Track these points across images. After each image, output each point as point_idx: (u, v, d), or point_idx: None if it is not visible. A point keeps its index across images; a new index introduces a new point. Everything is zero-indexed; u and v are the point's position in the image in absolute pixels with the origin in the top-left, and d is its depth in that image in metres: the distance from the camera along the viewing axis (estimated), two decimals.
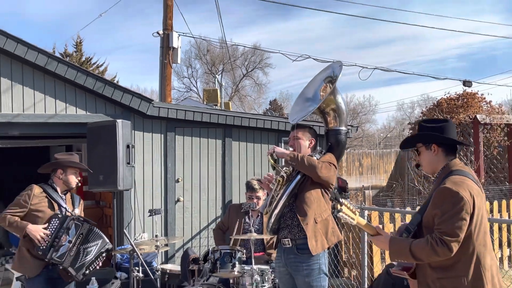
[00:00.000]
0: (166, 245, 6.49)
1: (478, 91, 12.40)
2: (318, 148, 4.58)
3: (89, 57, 33.16)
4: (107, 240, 4.93)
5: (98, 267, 4.95)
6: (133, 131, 6.94)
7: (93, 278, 5.63)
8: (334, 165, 4.33)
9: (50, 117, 6.77)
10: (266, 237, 5.48)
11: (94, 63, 33.08)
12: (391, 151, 22.63)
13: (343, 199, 3.16)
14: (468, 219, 3.00)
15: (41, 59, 6.58)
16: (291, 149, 4.39)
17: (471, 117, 11.23)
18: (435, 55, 70.25)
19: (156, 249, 5.89)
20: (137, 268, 5.45)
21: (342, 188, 3.38)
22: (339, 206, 3.15)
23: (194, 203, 7.62)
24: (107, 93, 6.99)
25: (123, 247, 6.57)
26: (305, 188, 4.30)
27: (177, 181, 7.49)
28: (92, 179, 6.54)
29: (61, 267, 4.73)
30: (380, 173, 21.11)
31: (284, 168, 4.39)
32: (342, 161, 19.85)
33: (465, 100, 11.74)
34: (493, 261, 3.19)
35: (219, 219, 7.57)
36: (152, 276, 5.63)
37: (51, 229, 4.69)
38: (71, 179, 4.93)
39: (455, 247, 3.01)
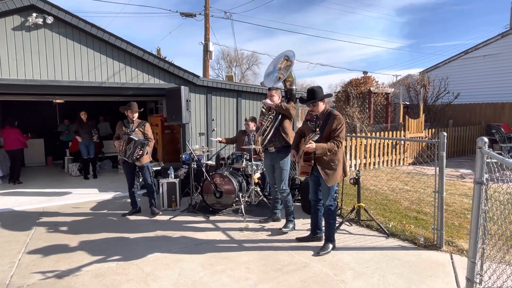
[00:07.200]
0: (208, 151, 6.61)
1: (371, 75, 12.21)
2: (282, 99, 4.52)
3: (164, 56, 32.31)
4: (139, 140, 4.79)
5: (139, 154, 4.81)
6: (189, 93, 6.82)
7: (171, 167, 5.71)
8: (294, 107, 4.33)
9: (146, 84, 6.67)
10: (258, 147, 5.54)
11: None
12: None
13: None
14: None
15: (140, 52, 6.43)
16: (268, 101, 4.32)
17: (367, 89, 11.17)
18: (350, 58, 68.73)
19: (203, 153, 6.00)
20: (193, 163, 5.50)
21: (313, 121, 3.57)
22: (317, 130, 3.44)
23: (222, 131, 7.60)
24: (176, 72, 6.83)
25: (186, 152, 6.68)
26: (283, 122, 4.28)
27: (213, 119, 7.46)
28: (169, 118, 6.47)
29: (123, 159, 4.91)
30: None
31: (269, 113, 4.32)
32: (299, 113, 19.69)
33: (364, 80, 11.60)
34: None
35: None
36: (201, 167, 5.75)
37: (122, 140, 4.87)
38: (128, 115, 5.00)
39: (342, 144, 3.45)
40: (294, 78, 4.47)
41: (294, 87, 4.50)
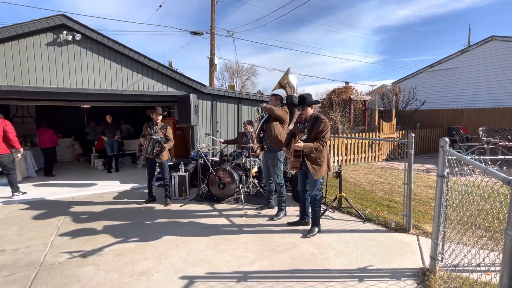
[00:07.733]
0: (213, 149, 6.57)
1: (352, 85, 12.17)
2: (282, 103, 4.46)
3: (176, 68, 32.10)
4: (157, 138, 4.75)
5: (157, 150, 4.74)
6: (197, 99, 6.81)
7: (182, 162, 5.69)
8: (285, 111, 4.24)
9: (161, 92, 6.62)
10: (255, 146, 5.51)
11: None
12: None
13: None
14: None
15: (155, 65, 6.38)
16: (264, 104, 4.28)
17: (348, 97, 11.14)
18: (333, 70, 68.61)
19: (209, 150, 5.96)
20: (200, 159, 5.48)
21: (302, 123, 3.49)
22: (305, 131, 3.40)
23: (225, 132, 7.57)
24: (186, 82, 6.80)
25: (194, 150, 6.64)
26: (271, 123, 4.21)
27: (217, 122, 7.44)
28: (180, 120, 6.43)
29: (145, 155, 4.81)
30: None
31: (261, 114, 4.36)
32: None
33: (346, 89, 11.57)
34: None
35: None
36: (207, 162, 5.72)
37: (147, 140, 4.79)
38: (153, 117, 4.91)
39: (327, 144, 3.36)
40: (291, 84, 4.44)
41: (294, 94, 4.46)
